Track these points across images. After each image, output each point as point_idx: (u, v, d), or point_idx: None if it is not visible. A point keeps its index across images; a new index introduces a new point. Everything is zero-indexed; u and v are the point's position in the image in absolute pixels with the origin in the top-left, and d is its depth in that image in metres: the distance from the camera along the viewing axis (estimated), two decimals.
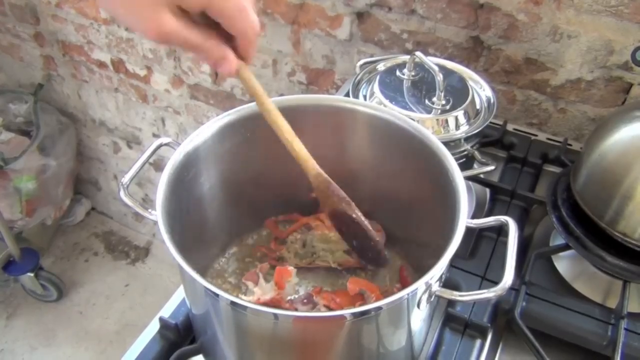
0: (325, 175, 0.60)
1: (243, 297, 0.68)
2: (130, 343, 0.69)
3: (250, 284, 0.69)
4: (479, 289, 0.75)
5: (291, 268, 0.68)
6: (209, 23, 0.45)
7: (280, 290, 0.66)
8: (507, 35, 1.01)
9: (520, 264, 0.78)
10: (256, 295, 0.66)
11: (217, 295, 0.49)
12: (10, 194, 1.81)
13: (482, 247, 0.81)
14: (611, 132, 0.72)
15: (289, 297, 0.67)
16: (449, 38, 1.07)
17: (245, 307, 0.49)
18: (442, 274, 0.54)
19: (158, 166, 1.88)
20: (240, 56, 0.48)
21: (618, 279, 0.75)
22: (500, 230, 0.83)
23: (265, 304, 0.64)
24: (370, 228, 0.63)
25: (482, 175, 0.88)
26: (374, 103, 0.84)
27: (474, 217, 0.83)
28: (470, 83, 0.89)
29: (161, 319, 0.70)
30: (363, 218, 0.62)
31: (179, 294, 0.74)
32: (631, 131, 0.71)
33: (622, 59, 0.94)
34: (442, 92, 0.82)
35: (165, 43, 0.44)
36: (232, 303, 0.49)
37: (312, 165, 0.59)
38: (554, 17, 0.95)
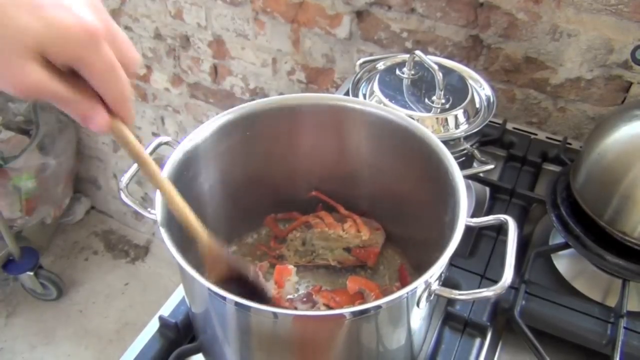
0: (217, 243, 0.56)
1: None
2: (130, 342, 0.69)
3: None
4: (479, 287, 0.75)
5: (291, 267, 0.68)
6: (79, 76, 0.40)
7: (280, 288, 0.66)
8: (506, 34, 1.01)
9: (520, 262, 0.79)
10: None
11: (218, 295, 0.49)
12: (9, 193, 1.80)
13: (481, 245, 0.81)
14: (611, 131, 0.72)
15: (288, 296, 0.67)
16: (448, 37, 1.07)
17: (246, 307, 0.49)
18: (442, 272, 0.54)
19: (157, 165, 1.88)
20: (116, 114, 0.43)
21: (617, 277, 0.75)
22: (500, 229, 0.83)
23: None
24: (265, 284, 0.60)
25: (481, 174, 0.88)
26: (374, 102, 0.84)
27: (473, 215, 0.83)
28: (470, 82, 0.89)
29: (161, 318, 0.70)
30: (260, 277, 0.59)
31: (179, 293, 0.74)
32: (631, 130, 0.71)
33: (621, 58, 0.94)
34: (441, 91, 0.82)
35: (31, 96, 0.38)
36: (235, 303, 0.49)
37: (202, 232, 0.54)
38: (554, 15, 0.95)
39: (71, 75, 0.39)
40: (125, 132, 0.45)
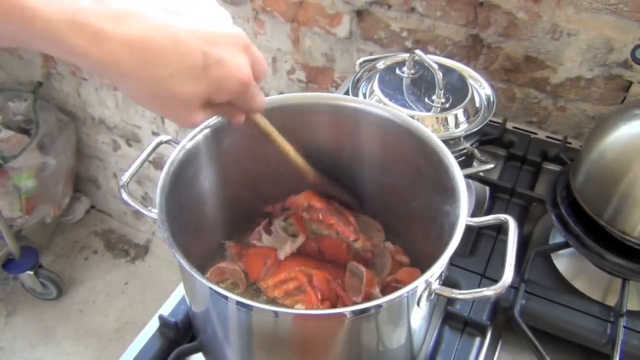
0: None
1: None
2: (130, 341, 0.69)
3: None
4: (479, 287, 0.75)
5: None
6: None
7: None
8: (506, 33, 1.01)
9: (520, 262, 0.79)
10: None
11: (219, 294, 0.49)
12: (9, 192, 1.80)
13: (481, 245, 0.81)
14: (611, 131, 0.72)
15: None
16: (448, 36, 1.07)
17: (247, 306, 0.49)
18: (442, 272, 0.55)
19: (157, 164, 1.88)
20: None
21: (617, 277, 0.75)
22: (500, 229, 0.83)
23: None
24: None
25: (481, 174, 0.88)
26: (374, 101, 0.84)
27: (473, 215, 0.83)
28: (470, 81, 0.89)
29: (161, 317, 0.70)
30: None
31: (179, 292, 0.74)
32: (630, 129, 0.71)
33: (621, 57, 0.94)
34: (441, 90, 0.82)
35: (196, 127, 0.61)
36: (236, 302, 0.49)
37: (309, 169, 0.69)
38: (554, 15, 0.95)
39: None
40: (260, 119, 0.61)
